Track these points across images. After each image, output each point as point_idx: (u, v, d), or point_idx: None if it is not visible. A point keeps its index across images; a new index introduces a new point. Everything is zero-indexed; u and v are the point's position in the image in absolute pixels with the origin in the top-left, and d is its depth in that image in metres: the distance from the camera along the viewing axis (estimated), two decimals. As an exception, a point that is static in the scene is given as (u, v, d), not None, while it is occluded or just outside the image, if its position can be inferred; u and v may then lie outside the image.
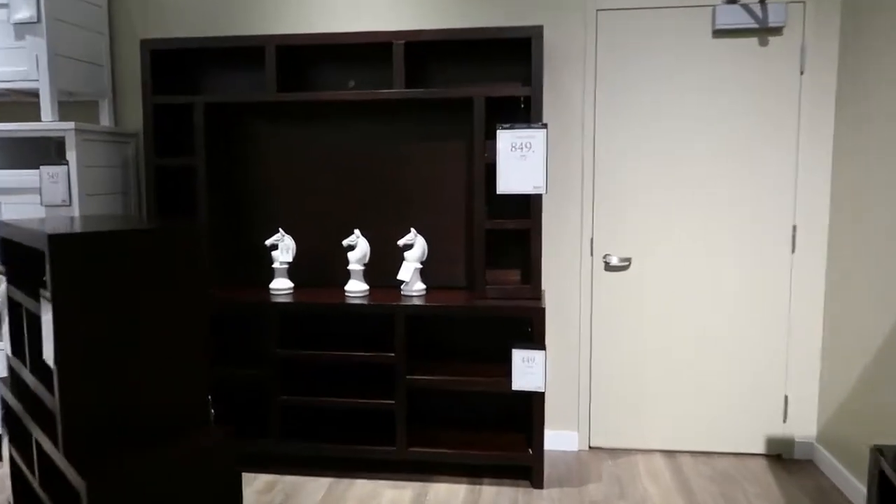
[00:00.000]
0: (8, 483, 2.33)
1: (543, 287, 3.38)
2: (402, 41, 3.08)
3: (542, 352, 2.92)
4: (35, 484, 2.01)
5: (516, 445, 3.12)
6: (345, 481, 3.11)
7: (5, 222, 2.05)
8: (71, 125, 3.08)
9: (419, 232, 3.39)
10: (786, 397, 3.30)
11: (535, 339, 2.97)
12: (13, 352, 2.17)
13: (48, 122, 3.11)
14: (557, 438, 3.45)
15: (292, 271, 3.47)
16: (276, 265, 3.32)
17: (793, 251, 3.23)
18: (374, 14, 3.40)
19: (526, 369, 2.94)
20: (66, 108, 3.61)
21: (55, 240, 1.63)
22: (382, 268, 3.41)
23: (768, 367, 3.30)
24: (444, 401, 3.46)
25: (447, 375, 3.05)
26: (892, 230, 2.64)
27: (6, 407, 2.23)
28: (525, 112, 3.20)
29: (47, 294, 1.65)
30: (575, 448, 3.45)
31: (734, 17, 3.11)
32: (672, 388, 3.37)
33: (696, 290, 3.31)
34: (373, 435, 3.23)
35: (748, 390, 3.32)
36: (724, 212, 3.25)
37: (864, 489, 2.79)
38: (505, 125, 2.96)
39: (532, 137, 2.96)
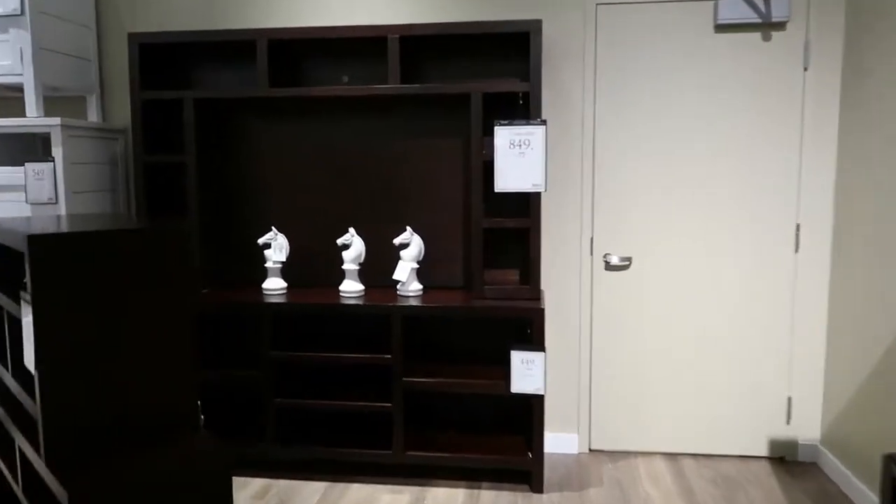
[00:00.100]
0: (-10, 491, 2.27)
1: (543, 287, 3.32)
2: (397, 35, 3.02)
3: (542, 353, 2.86)
4: (18, 492, 1.95)
5: (515, 449, 3.06)
6: (340, 485, 3.05)
7: (-14, 221, 1.98)
8: (57, 121, 3.00)
9: (415, 231, 3.32)
10: (789, 399, 3.25)
11: (534, 340, 2.91)
12: (-5, 356, 2.10)
13: (33, 117, 3.04)
14: (557, 441, 3.40)
15: (285, 271, 3.40)
16: (269, 264, 3.25)
17: (796, 250, 3.18)
18: (369, 8, 3.33)
19: (525, 371, 2.88)
20: (52, 104, 3.53)
21: (35, 240, 1.56)
22: (378, 267, 3.34)
23: (771, 368, 3.25)
24: (441, 403, 3.40)
25: (445, 377, 2.99)
26: (899, 228, 2.60)
27: (-12, 412, 2.17)
28: (523, 108, 3.14)
29: (27, 296, 1.59)
30: (575, 451, 3.39)
31: (737, 11, 3.06)
32: (674, 390, 3.32)
33: (698, 290, 3.26)
34: (369, 438, 3.18)
35: (751, 391, 3.27)
36: (726, 210, 3.20)
37: (869, 492, 2.75)
38: (503, 121, 2.90)
39: (531, 134, 2.90)
